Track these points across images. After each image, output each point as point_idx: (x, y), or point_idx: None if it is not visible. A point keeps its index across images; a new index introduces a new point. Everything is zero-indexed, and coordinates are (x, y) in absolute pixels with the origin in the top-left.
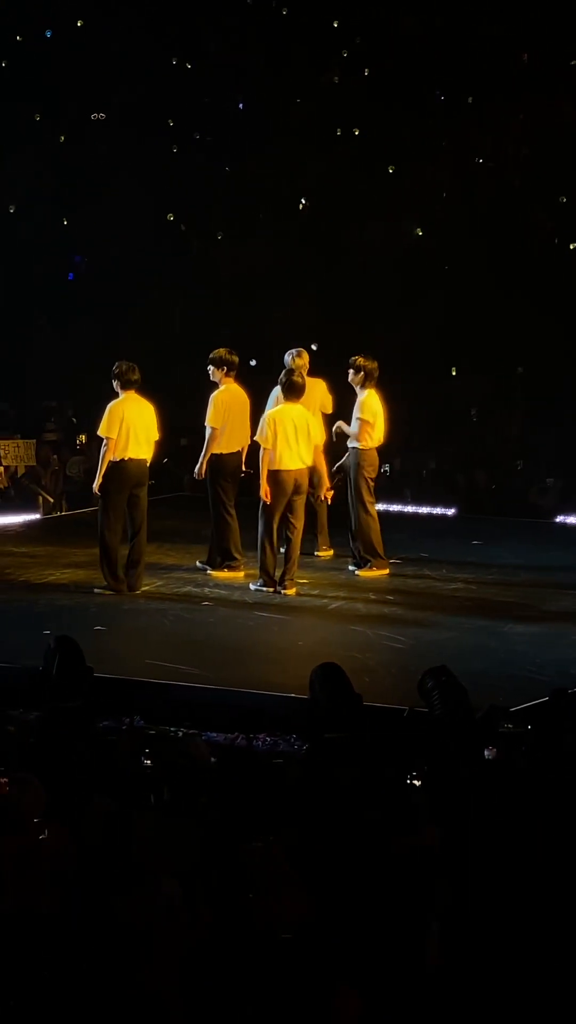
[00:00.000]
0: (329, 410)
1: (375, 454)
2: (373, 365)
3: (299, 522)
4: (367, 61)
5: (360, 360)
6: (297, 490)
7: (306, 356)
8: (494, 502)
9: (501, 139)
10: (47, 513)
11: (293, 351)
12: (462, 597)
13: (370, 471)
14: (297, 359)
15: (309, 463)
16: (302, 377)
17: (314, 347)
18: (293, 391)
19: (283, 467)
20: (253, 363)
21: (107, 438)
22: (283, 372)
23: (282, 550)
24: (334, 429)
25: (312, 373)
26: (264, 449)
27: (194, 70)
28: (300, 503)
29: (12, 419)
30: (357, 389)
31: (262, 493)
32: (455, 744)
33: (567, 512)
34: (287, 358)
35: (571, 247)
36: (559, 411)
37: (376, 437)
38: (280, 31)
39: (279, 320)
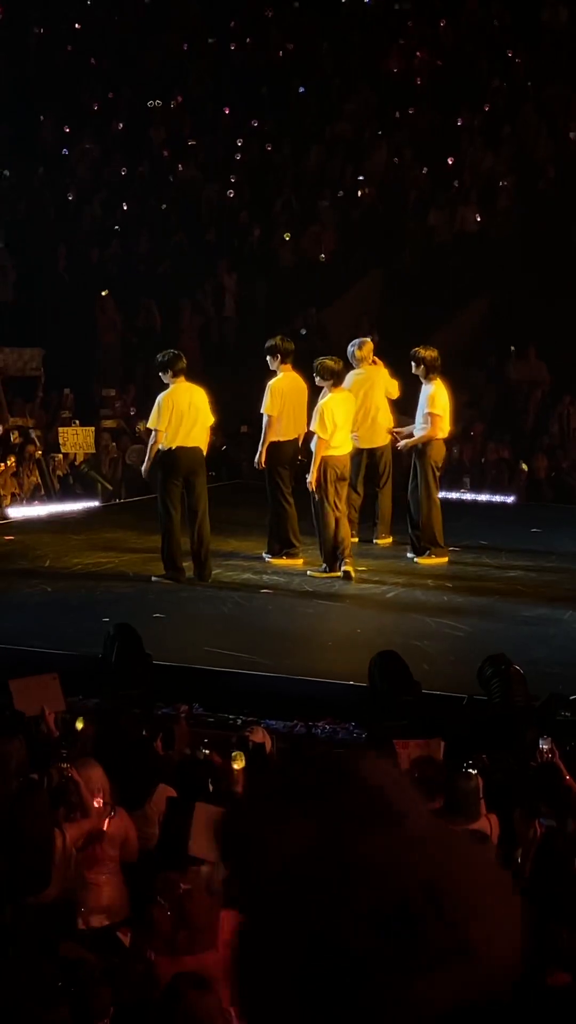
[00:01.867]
0: (395, 395)
1: (443, 445)
2: (433, 354)
3: (344, 506)
4: (426, 45)
5: (421, 351)
6: (342, 476)
7: (370, 346)
8: (554, 490)
9: (560, 127)
10: (106, 501)
11: (356, 341)
12: (521, 585)
13: (437, 461)
14: (360, 350)
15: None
16: (337, 362)
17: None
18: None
19: (337, 453)
20: (303, 332)
21: (155, 429)
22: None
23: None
24: (397, 442)
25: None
26: (320, 438)
27: (253, 58)
28: (344, 488)
29: (72, 405)
30: (423, 381)
31: (312, 480)
32: (511, 733)
33: None
34: (350, 349)
35: None
36: None
37: (444, 428)
38: (340, 17)
39: (340, 308)
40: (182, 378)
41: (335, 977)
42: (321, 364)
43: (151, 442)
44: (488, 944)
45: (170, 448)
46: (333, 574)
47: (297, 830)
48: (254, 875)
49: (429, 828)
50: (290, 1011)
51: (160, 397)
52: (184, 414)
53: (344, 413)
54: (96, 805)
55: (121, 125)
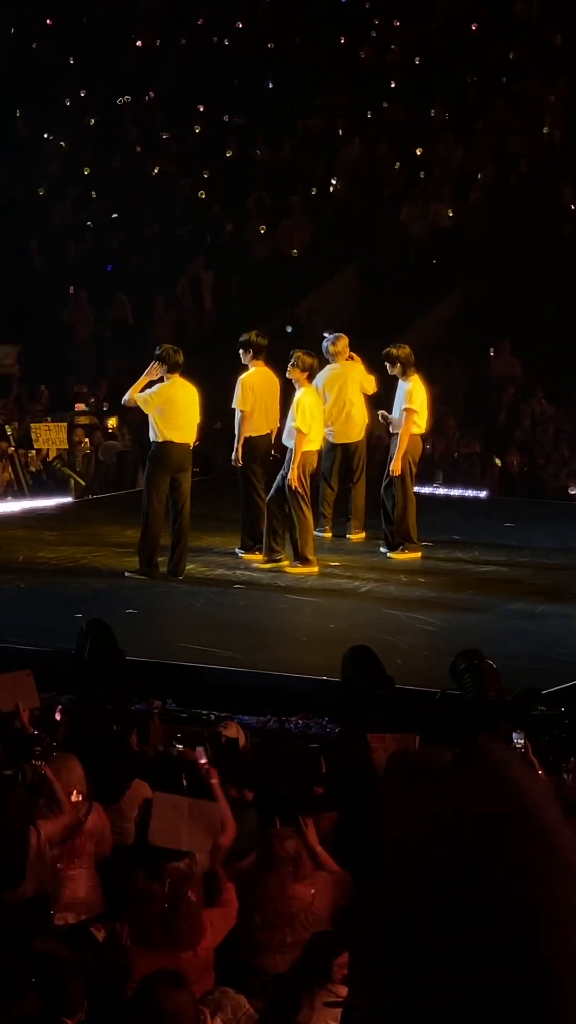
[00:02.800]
0: (371, 390)
1: (419, 440)
2: (406, 351)
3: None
4: (400, 40)
5: (393, 351)
6: (313, 472)
7: (345, 340)
8: (527, 484)
9: (534, 122)
10: (79, 496)
11: (331, 336)
12: (494, 579)
13: (414, 456)
14: (334, 345)
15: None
16: (313, 357)
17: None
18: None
19: (312, 448)
20: (289, 329)
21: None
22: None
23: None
24: (379, 415)
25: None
26: (300, 432)
27: (224, 52)
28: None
29: (47, 401)
30: (400, 379)
31: (294, 477)
32: (485, 727)
33: None
34: (325, 344)
35: None
36: None
37: (421, 424)
38: (313, 11)
39: (312, 303)
40: (177, 375)
41: (452, 949)
42: (299, 357)
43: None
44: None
45: (162, 442)
46: (311, 569)
47: (440, 810)
48: (391, 845)
49: (558, 838)
50: (408, 979)
51: (158, 387)
52: (179, 409)
53: (319, 409)
54: (74, 800)
55: (93, 120)
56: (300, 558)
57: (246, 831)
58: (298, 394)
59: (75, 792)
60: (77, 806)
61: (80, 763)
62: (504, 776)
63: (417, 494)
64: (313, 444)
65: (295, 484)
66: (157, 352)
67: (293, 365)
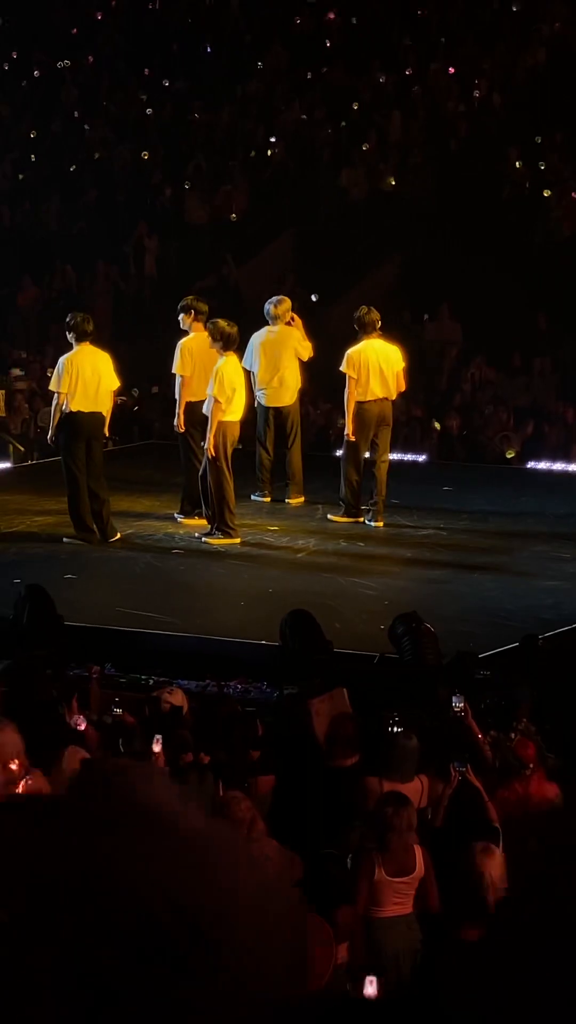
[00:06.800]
0: (305, 356)
1: (365, 407)
2: (371, 316)
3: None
4: (337, 2)
5: (363, 312)
6: (235, 442)
7: (287, 304)
8: (466, 448)
9: (472, 85)
10: (18, 462)
11: (274, 299)
12: (433, 543)
13: (361, 421)
14: (276, 307)
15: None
16: (232, 326)
17: (314, 297)
18: (230, 342)
19: (233, 418)
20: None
21: (57, 392)
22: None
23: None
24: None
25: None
26: (216, 402)
27: (163, 17)
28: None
29: None
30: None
31: (211, 447)
32: (423, 690)
33: (537, 458)
34: (267, 306)
35: (545, 194)
36: (529, 358)
37: (362, 392)
38: None
39: (254, 267)
40: (87, 342)
41: (86, 997)
42: (214, 326)
43: (54, 404)
44: (259, 962)
45: (72, 412)
46: (232, 540)
47: (47, 839)
48: (4, 882)
49: (192, 838)
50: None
51: (62, 360)
52: (87, 377)
53: (241, 379)
54: (12, 768)
55: (25, 83)
56: (221, 529)
57: (205, 795)
58: (219, 363)
59: (12, 759)
60: (13, 774)
61: (17, 730)
62: (130, 803)
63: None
64: (233, 415)
65: (211, 453)
66: (68, 320)
67: (210, 335)
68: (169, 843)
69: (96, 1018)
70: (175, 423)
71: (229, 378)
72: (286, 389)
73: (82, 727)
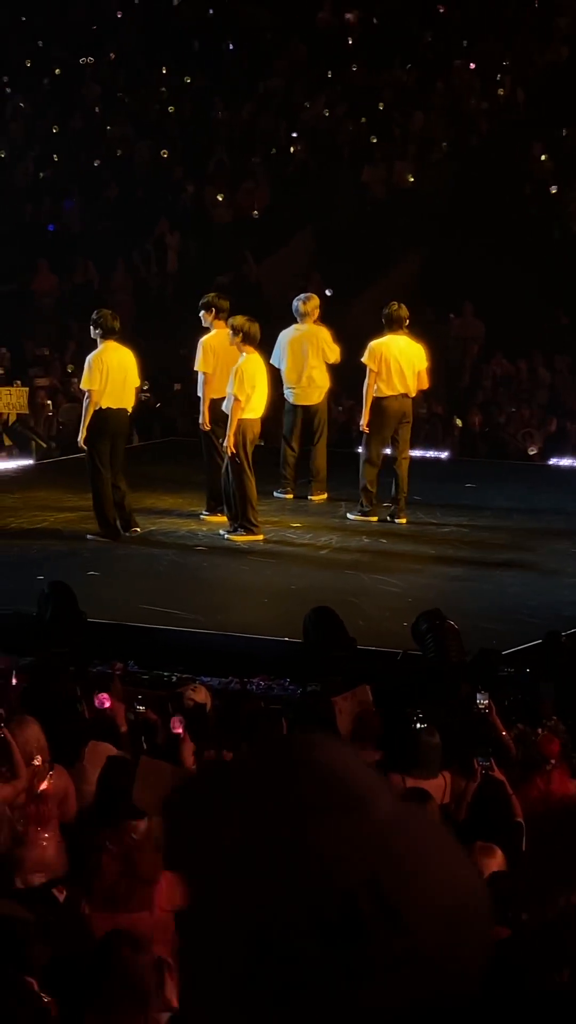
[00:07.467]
0: (331, 359)
1: (385, 403)
2: (400, 312)
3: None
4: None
5: (393, 308)
6: (255, 440)
7: (315, 301)
8: (488, 445)
9: (493, 81)
10: (41, 459)
11: (303, 296)
12: (455, 540)
13: (379, 419)
14: (304, 304)
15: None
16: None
17: (328, 292)
18: (251, 340)
19: (253, 416)
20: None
21: (89, 390)
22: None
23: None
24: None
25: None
26: (236, 400)
27: (184, 13)
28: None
29: (8, 363)
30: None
31: (230, 445)
32: (446, 687)
33: (560, 455)
34: (296, 303)
35: (551, 190)
36: (551, 354)
37: (384, 386)
38: None
39: (275, 264)
40: (113, 339)
41: (273, 979)
42: (235, 322)
43: (86, 404)
44: (444, 948)
45: (99, 408)
46: (255, 537)
47: (241, 817)
48: (195, 862)
49: (390, 819)
50: (227, 1008)
51: (90, 357)
52: (114, 375)
53: (262, 376)
54: (35, 764)
55: (46, 80)
56: (244, 526)
57: None
58: (240, 361)
59: (35, 755)
60: (36, 769)
61: (40, 726)
62: (326, 778)
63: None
64: (252, 412)
65: (231, 451)
66: (95, 317)
67: (230, 332)
68: (366, 824)
69: (276, 999)
70: (200, 420)
71: (249, 375)
72: (315, 388)
73: (107, 705)
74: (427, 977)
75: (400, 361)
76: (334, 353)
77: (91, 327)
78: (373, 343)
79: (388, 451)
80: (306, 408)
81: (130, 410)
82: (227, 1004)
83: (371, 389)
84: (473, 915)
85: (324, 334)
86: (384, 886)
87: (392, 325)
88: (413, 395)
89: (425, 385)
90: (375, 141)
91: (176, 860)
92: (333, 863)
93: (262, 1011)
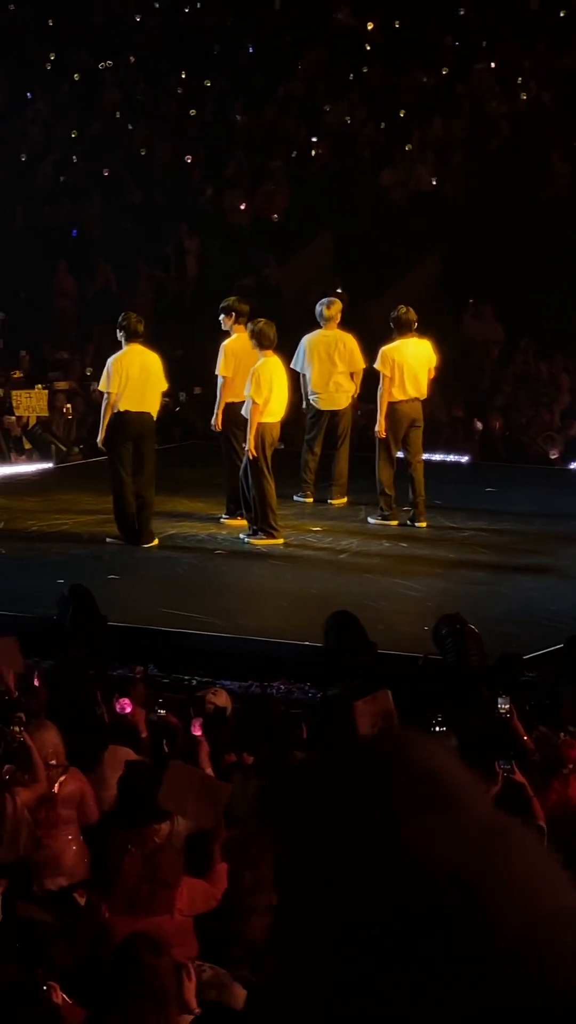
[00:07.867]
0: (355, 367)
1: (396, 407)
2: (395, 314)
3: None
4: (378, 3)
5: (402, 311)
6: (274, 443)
7: (338, 306)
8: (508, 448)
9: (514, 85)
10: (61, 462)
11: (326, 300)
12: (476, 544)
13: (393, 422)
14: (328, 309)
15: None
16: (270, 326)
17: (339, 290)
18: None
19: (271, 420)
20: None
21: (107, 392)
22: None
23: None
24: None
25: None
26: (254, 403)
27: (203, 17)
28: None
29: (28, 367)
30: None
31: (251, 448)
32: (467, 692)
33: None
34: (319, 307)
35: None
36: (571, 357)
37: (396, 393)
38: None
39: (294, 268)
40: (137, 343)
41: (354, 972)
42: (254, 326)
43: (104, 405)
44: (529, 955)
45: (120, 411)
46: (275, 541)
47: (337, 811)
48: (290, 853)
49: (486, 822)
50: (310, 998)
51: (110, 360)
52: (135, 378)
53: (280, 379)
54: (52, 763)
55: (66, 87)
56: (264, 529)
57: (248, 796)
58: (258, 363)
59: (52, 759)
60: (53, 773)
61: (57, 730)
62: (424, 777)
63: (397, 458)
64: (271, 416)
65: (252, 455)
66: (120, 320)
67: (251, 338)
68: (460, 824)
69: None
70: (212, 422)
71: (267, 379)
72: (343, 392)
73: (128, 710)
74: (509, 982)
75: (413, 365)
76: (358, 361)
77: (117, 329)
78: (385, 348)
79: (401, 455)
80: (333, 413)
81: (155, 414)
82: (308, 993)
83: (386, 395)
84: (563, 930)
85: (351, 342)
86: (472, 883)
87: (401, 329)
88: (424, 397)
89: (431, 375)
90: (397, 145)
91: (274, 848)
92: (424, 859)
93: (341, 1000)
